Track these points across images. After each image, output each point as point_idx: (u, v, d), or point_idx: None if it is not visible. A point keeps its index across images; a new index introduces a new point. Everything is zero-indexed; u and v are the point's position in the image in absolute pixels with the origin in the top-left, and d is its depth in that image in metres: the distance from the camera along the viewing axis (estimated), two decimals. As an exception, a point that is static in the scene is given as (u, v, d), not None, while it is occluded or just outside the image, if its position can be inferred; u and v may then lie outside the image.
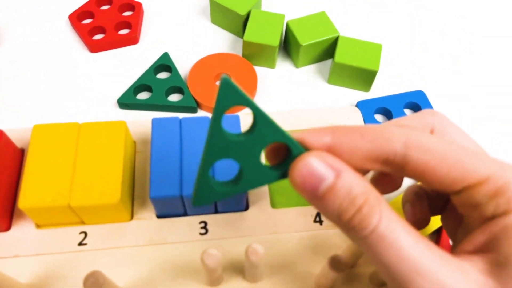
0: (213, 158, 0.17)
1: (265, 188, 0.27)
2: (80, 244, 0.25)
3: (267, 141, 0.17)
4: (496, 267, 0.15)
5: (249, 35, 0.31)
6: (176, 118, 0.26)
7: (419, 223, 0.21)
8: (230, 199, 0.25)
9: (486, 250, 0.16)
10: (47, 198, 0.23)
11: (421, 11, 0.37)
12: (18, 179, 0.26)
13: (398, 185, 0.20)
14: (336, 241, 0.25)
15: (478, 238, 0.16)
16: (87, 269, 0.23)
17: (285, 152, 0.17)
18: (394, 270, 0.15)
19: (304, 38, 0.31)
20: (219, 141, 0.16)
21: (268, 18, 0.32)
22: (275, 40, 0.31)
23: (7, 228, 0.25)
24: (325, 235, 0.25)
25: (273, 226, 0.26)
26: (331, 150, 0.17)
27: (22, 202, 0.23)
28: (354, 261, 0.23)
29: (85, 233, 0.25)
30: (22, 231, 0.25)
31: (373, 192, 0.16)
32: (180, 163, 0.24)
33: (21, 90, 0.31)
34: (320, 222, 0.26)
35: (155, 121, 0.26)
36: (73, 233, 0.25)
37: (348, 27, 0.35)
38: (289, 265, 0.24)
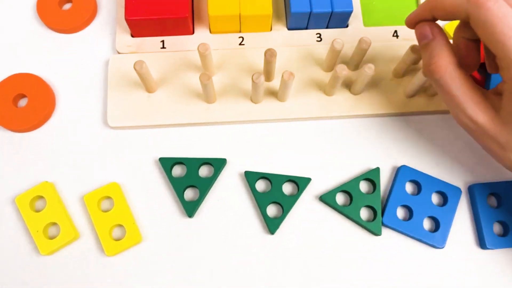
0: None
1: (358, 11, 0.39)
2: (240, 44, 0.38)
3: None
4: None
5: None
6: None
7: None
8: (340, 17, 0.37)
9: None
10: (225, 8, 0.35)
11: None
12: (193, 2, 0.39)
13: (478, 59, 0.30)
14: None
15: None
16: (246, 58, 0.37)
17: None
18: (447, 100, 0.29)
19: None
20: None
21: None
22: None
23: (192, 32, 0.38)
24: (402, 45, 0.38)
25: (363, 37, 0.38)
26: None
27: (212, 10, 0.35)
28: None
29: (242, 38, 0.38)
30: (201, 34, 0.38)
31: (447, 56, 0.27)
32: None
33: None
34: (397, 36, 0.38)
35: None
36: (234, 37, 0.38)
37: None
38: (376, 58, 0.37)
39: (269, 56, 0.33)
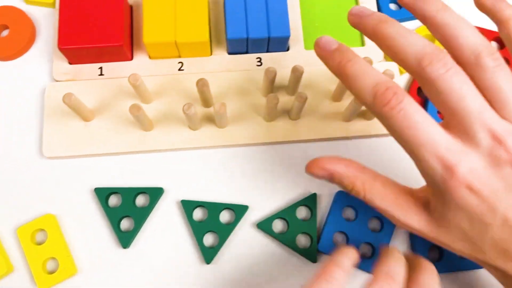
0: None
1: (300, 34, 0.39)
2: (179, 69, 0.38)
3: None
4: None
5: None
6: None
7: None
8: (279, 42, 0.37)
9: None
10: (160, 36, 0.35)
11: None
12: (132, 28, 0.38)
13: None
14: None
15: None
16: (185, 84, 0.36)
17: None
18: (380, 213, 0.27)
19: None
20: None
21: None
22: None
23: (131, 58, 0.38)
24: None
25: (306, 61, 0.38)
26: None
27: (146, 38, 0.35)
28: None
29: (182, 63, 0.38)
30: (140, 61, 0.38)
31: (358, 177, 0.26)
32: (245, 14, 0.36)
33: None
34: (337, 59, 0.38)
35: (226, -15, 0.37)
36: (173, 62, 0.38)
37: None
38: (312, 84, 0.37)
39: (201, 86, 0.33)
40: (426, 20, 0.25)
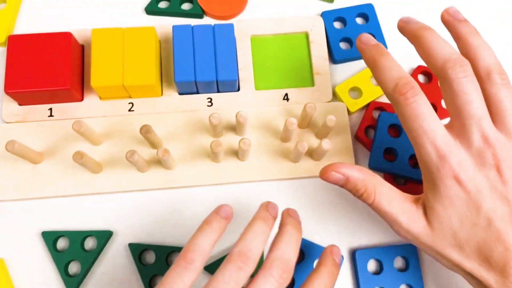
0: None
1: (251, 74, 0.39)
2: (130, 110, 0.38)
3: None
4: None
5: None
6: (189, 25, 0.37)
7: None
8: (228, 84, 0.37)
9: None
10: (108, 79, 0.35)
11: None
12: (83, 67, 0.38)
13: None
14: (299, 112, 0.38)
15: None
16: (135, 125, 0.37)
17: None
18: (385, 219, 0.29)
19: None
20: None
21: None
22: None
23: (81, 99, 0.38)
24: (291, 108, 0.38)
25: (256, 101, 0.38)
26: None
27: (94, 82, 0.35)
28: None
29: (132, 103, 0.38)
30: (90, 101, 0.38)
31: (370, 180, 0.29)
32: (194, 57, 0.36)
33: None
34: (287, 99, 0.39)
35: (175, 28, 0.37)
36: (124, 103, 0.38)
37: None
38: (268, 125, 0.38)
39: (145, 133, 0.33)
40: (458, 38, 0.30)
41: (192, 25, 0.37)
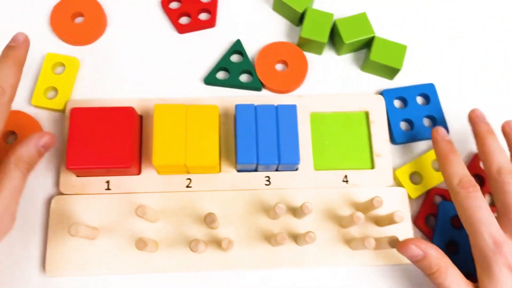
0: None
1: (309, 153, 0.38)
2: (187, 186, 0.37)
3: None
4: None
5: (306, 32, 0.40)
6: (252, 105, 0.37)
7: None
8: (288, 165, 0.37)
9: None
10: (170, 158, 0.35)
11: (445, 14, 0.44)
12: (141, 139, 0.38)
13: None
14: (360, 196, 0.38)
15: None
16: (193, 203, 0.36)
17: None
18: None
19: (347, 36, 0.40)
20: None
21: (320, 17, 0.40)
22: (325, 37, 0.40)
23: (139, 173, 0.37)
24: (351, 192, 0.38)
25: (315, 182, 0.38)
26: None
27: (156, 161, 0.35)
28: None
29: (190, 179, 0.37)
30: (148, 175, 0.37)
31: (444, 260, 0.31)
32: (256, 139, 0.36)
33: (122, 66, 0.41)
34: (347, 181, 0.38)
35: (238, 107, 0.36)
36: (181, 179, 0.37)
37: (382, 26, 0.43)
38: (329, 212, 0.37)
39: (209, 222, 0.33)
40: (477, 136, 0.35)
41: (255, 104, 0.37)
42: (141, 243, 0.31)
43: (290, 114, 0.37)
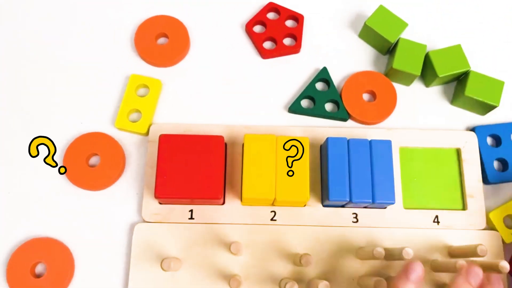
0: None
1: (398, 189, 0.37)
2: (272, 219, 0.36)
3: None
4: None
5: (398, 63, 0.38)
6: (344, 138, 0.35)
7: None
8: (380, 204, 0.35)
9: None
10: (260, 192, 0.34)
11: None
12: (225, 167, 0.37)
13: None
14: (451, 238, 0.36)
15: None
16: (278, 237, 0.35)
17: None
18: None
19: (441, 70, 0.38)
20: None
21: (413, 48, 0.39)
22: (418, 69, 0.38)
23: (223, 203, 0.36)
24: (441, 234, 0.36)
25: (404, 221, 0.36)
26: None
27: (246, 194, 0.33)
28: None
29: (274, 212, 0.36)
30: (232, 205, 0.36)
31: None
32: (349, 175, 0.34)
33: (203, 90, 0.40)
34: (438, 222, 0.36)
35: (330, 140, 0.35)
36: (266, 211, 0.36)
37: (479, 59, 0.41)
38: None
39: (306, 263, 0.31)
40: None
41: (347, 138, 0.35)
42: (234, 282, 0.30)
43: (385, 150, 0.35)
